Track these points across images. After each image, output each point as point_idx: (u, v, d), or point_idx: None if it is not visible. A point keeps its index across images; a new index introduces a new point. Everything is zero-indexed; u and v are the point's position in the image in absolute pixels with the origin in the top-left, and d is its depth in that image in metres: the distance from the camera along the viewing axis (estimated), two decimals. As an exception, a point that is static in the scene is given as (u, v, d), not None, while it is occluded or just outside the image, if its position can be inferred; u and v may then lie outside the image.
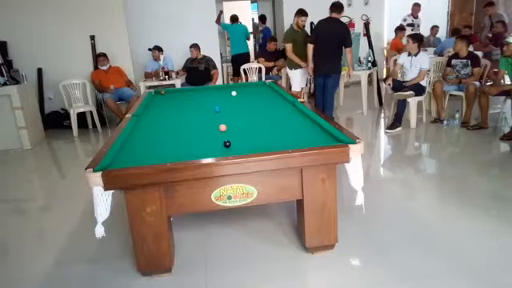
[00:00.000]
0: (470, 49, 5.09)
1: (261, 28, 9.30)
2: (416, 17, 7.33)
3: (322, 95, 5.06)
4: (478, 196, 3.00)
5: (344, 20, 5.08)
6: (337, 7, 4.75)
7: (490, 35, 6.44)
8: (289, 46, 5.10)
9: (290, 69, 5.28)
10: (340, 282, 2.06)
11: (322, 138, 2.18)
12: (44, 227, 2.96)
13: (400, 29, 6.96)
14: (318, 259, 2.23)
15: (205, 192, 1.98)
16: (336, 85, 5.03)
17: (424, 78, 4.83)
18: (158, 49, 6.19)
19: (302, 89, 5.44)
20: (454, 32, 6.70)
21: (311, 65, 4.92)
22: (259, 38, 9.29)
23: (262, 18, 9.27)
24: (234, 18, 7.72)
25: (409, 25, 7.18)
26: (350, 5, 7.64)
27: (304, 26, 5.11)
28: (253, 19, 10.58)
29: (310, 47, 4.87)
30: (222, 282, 2.11)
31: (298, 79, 5.28)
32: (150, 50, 6.23)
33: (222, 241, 2.50)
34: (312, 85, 6.20)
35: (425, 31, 7.33)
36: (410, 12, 7.38)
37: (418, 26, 7.31)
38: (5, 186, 3.95)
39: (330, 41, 4.74)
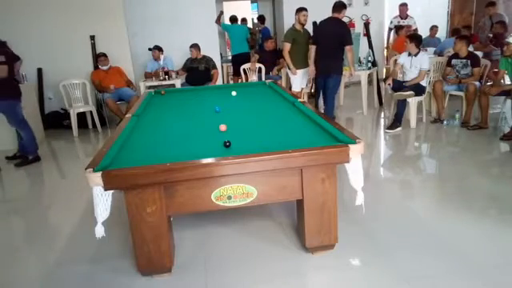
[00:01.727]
0: (470, 49, 5.09)
1: (259, 28, 9.30)
2: (405, 17, 7.07)
3: (323, 95, 5.08)
4: (478, 196, 3.00)
5: (344, 20, 5.07)
6: (336, 7, 4.76)
7: (491, 35, 6.43)
8: (287, 46, 5.09)
9: (291, 69, 5.27)
10: (340, 282, 2.06)
11: (322, 137, 2.18)
12: (44, 227, 2.96)
13: (401, 28, 6.91)
14: (318, 259, 2.23)
15: (205, 192, 1.98)
16: (337, 85, 5.02)
17: (424, 79, 4.83)
18: (158, 49, 6.19)
19: (302, 89, 5.43)
20: (454, 32, 6.68)
21: (312, 67, 4.98)
22: (259, 38, 9.29)
23: (261, 19, 9.28)
24: (234, 19, 7.72)
25: (396, 27, 6.99)
26: (350, 5, 7.62)
27: (306, 22, 5.10)
28: (252, 19, 10.59)
29: (312, 48, 4.93)
30: (221, 281, 2.11)
31: (298, 79, 5.28)
32: (150, 49, 6.23)
33: (222, 241, 2.51)
34: (313, 84, 6.19)
35: (423, 31, 7.21)
36: (397, 13, 7.12)
37: (411, 26, 7.02)
38: (5, 186, 3.95)
39: (329, 40, 4.76)
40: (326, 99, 5.02)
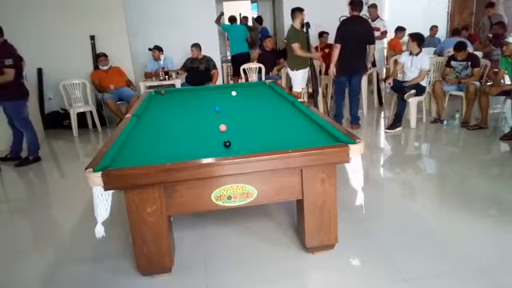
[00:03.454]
0: (470, 49, 5.09)
1: (258, 29, 9.31)
2: (374, 19, 6.88)
3: (342, 95, 5.09)
4: (478, 196, 3.00)
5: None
6: (355, 4, 4.70)
7: (491, 35, 6.43)
8: (297, 46, 5.00)
9: (292, 69, 5.26)
10: (340, 282, 2.06)
11: (322, 137, 2.18)
12: (44, 227, 2.95)
13: (400, 29, 6.92)
14: (318, 259, 2.23)
15: (205, 192, 1.98)
16: (360, 83, 5.08)
17: (424, 79, 4.82)
18: (158, 49, 6.19)
19: (303, 89, 5.43)
20: (454, 32, 6.68)
21: (333, 67, 4.87)
22: (258, 38, 9.32)
23: (259, 20, 9.28)
24: (233, 19, 7.72)
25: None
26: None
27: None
28: (252, 18, 10.61)
29: (338, 47, 4.75)
30: (221, 281, 2.11)
31: (299, 80, 5.27)
32: (150, 49, 6.23)
33: (222, 241, 2.51)
34: (310, 84, 6.18)
35: (423, 31, 7.14)
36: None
37: (379, 28, 6.78)
38: (5, 185, 3.95)
39: (356, 39, 4.71)
40: (351, 98, 5.04)
